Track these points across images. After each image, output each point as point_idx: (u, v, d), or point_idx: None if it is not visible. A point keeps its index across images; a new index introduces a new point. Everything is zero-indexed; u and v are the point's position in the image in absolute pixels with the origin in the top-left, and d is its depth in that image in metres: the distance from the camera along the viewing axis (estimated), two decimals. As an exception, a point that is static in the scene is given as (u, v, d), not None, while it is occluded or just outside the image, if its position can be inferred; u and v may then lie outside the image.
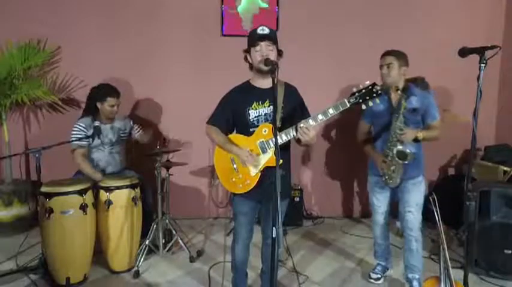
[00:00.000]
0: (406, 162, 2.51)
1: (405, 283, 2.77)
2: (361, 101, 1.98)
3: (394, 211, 2.87)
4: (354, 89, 1.99)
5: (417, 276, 2.67)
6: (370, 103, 1.98)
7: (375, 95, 1.96)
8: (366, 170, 2.92)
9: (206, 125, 2.30)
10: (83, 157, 3.18)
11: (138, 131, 3.52)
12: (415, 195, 2.62)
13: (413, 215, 2.61)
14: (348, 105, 1.99)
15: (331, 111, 2.00)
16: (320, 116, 2.02)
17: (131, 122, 3.55)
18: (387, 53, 2.68)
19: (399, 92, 2.57)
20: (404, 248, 2.70)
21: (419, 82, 3.26)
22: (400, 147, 2.51)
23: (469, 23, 4.21)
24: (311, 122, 2.02)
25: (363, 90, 1.97)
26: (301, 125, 2.00)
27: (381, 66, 2.67)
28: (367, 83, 1.98)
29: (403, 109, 2.50)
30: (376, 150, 2.75)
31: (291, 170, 2.32)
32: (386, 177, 2.62)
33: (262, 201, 2.27)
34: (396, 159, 2.53)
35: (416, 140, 2.58)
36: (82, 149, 3.18)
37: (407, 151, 2.50)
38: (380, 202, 2.77)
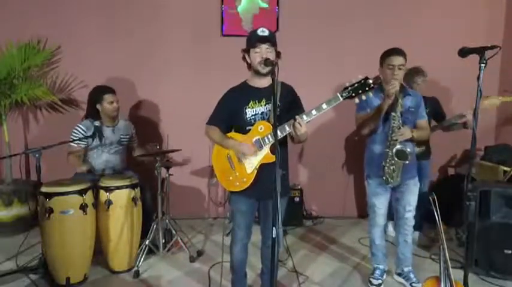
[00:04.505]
0: (407, 162, 2.51)
1: (396, 276, 2.89)
2: (353, 94, 1.99)
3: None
4: (347, 84, 2.01)
5: (411, 267, 2.83)
6: (363, 97, 1.99)
7: (367, 88, 1.98)
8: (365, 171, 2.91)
9: (206, 126, 2.33)
10: (78, 158, 3.20)
11: (137, 144, 3.58)
12: (415, 195, 2.70)
13: (411, 214, 2.72)
14: (341, 99, 2.01)
15: (324, 106, 2.02)
16: (314, 112, 2.03)
17: (133, 129, 3.55)
18: (398, 53, 2.55)
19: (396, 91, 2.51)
20: (399, 241, 2.81)
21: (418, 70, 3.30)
22: (399, 146, 2.50)
23: (469, 23, 4.21)
24: (305, 117, 2.03)
25: (356, 84, 1.99)
26: (296, 120, 2.01)
27: (390, 66, 2.54)
28: (360, 77, 2.00)
29: (400, 108, 2.50)
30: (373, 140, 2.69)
31: (288, 168, 2.31)
32: (387, 176, 2.59)
33: (261, 200, 2.27)
34: (396, 159, 2.52)
35: (411, 139, 2.58)
36: (76, 152, 3.20)
37: (408, 150, 2.49)
38: (381, 204, 2.73)
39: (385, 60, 2.60)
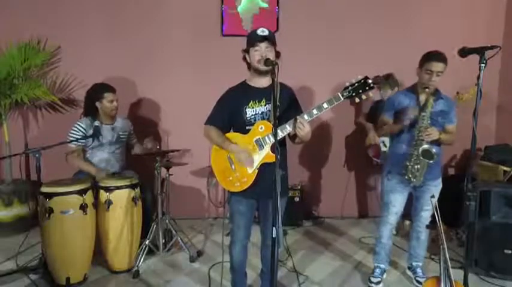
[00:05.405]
0: (432, 161, 2.51)
1: (407, 269, 2.96)
2: (354, 94, 2.01)
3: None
4: (347, 83, 2.02)
5: (420, 264, 2.86)
6: (364, 96, 2.01)
7: (367, 88, 1.99)
8: (366, 170, 2.91)
9: (204, 126, 2.32)
10: (78, 157, 3.18)
11: (136, 141, 3.57)
12: (435, 197, 2.66)
13: (429, 213, 2.73)
14: (342, 99, 2.02)
15: (325, 105, 2.03)
16: (315, 111, 2.04)
17: (131, 126, 3.55)
18: (439, 59, 2.51)
19: (427, 91, 2.53)
20: (412, 237, 2.86)
21: (390, 79, 3.32)
22: (426, 146, 2.51)
23: (469, 23, 4.21)
24: (306, 116, 2.04)
25: (356, 84, 2.01)
26: (297, 120, 2.02)
27: (429, 71, 2.52)
28: (360, 77, 2.01)
29: (430, 108, 2.50)
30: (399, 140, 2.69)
31: (287, 168, 2.31)
32: (410, 175, 2.58)
33: (260, 200, 2.27)
34: (421, 158, 2.52)
35: (437, 141, 2.58)
36: (75, 152, 3.19)
37: (433, 150, 2.50)
38: (397, 202, 2.73)
39: (424, 64, 2.57)
